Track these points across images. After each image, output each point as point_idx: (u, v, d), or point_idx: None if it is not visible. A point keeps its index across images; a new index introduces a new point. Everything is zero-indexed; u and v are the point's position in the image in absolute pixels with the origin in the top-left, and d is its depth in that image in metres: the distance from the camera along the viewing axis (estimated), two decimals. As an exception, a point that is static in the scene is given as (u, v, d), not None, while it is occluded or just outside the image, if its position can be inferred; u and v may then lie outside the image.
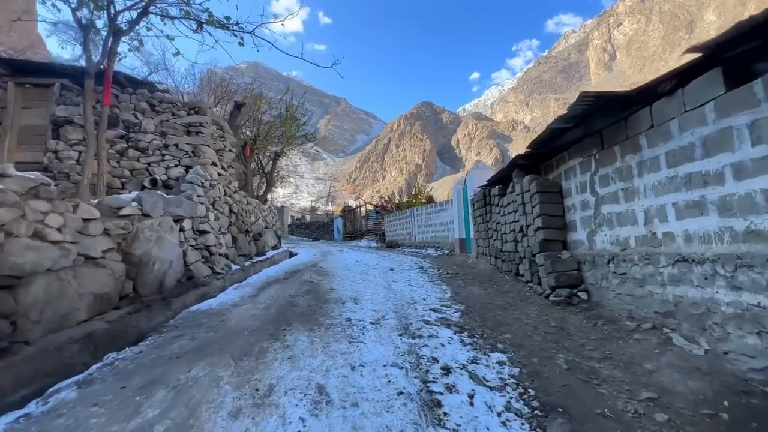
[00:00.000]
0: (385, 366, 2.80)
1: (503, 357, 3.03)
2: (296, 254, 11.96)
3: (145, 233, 4.26)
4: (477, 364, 2.89)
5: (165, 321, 4.09)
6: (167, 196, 4.90)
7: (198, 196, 5.57)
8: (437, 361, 2.91)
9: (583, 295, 4.31)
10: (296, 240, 31.43)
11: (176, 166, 6.21)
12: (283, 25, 6.18)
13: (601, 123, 3.98)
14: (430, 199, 22.45)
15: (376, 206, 24.67)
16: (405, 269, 8.11)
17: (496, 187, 6.98)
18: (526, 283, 5.45)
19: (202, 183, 5.84)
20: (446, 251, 11.96)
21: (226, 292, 5.26)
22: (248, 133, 12.52)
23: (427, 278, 6.78)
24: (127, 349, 3.15)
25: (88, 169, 4.62)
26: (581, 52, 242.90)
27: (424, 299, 4.98)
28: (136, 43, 5.37)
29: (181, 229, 5.05)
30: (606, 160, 4.04)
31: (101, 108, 4.92)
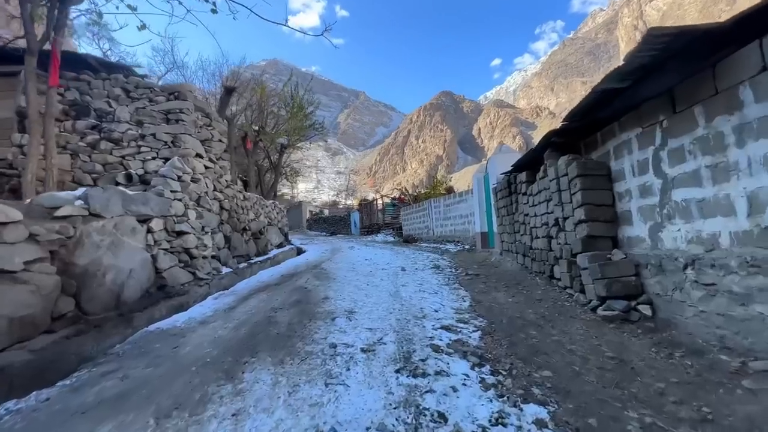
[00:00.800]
0: (368, 430, 1.91)
1: (543, 413, 2.07)
2: (304, 252, 11.25)
3: (93, 238, 3.53)
4: (504, 426, 1.96)
5: (122, 341, 3.37)
6: (129, 193, 4.16)
7: (173, 191, 4.83)
8: (445, 421, 1.99)
9: (646, 310, 3.26)
10: (314, 235, 30.99)
11: (154, 158, 5.51)
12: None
13: (671, 78, 2.89)
14: (450, 190, 21.29)
15: (393, 199, 23.73)
16: (419, 269, 7.18)
17: (523, 173, 5.90)
18: (564, 289, 4.42)
19: (180, 176, 5.10)
20: (466, 246, 10.93)
21: (203, 303, 4.51)
22: (253, 126, 11.84)
23: (442, 281, 5.84)
24: (34, 393, 2.40)
25: (31, 162, 3.96)
26: (610, 32, 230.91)
27: (436, 311, 4.05)
28: (93, 15, 4.65)
29: (150, 231, 4.31)
30: (679, 127, 2.95)
31: (48, 90, 4.24)
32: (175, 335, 3.37)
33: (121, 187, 4.20)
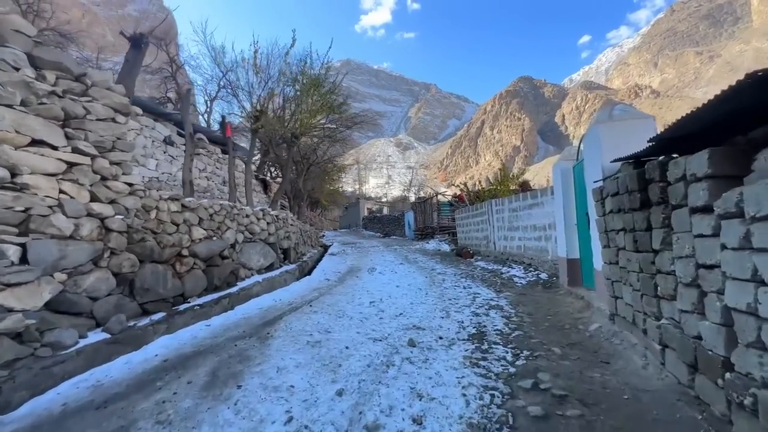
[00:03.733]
0: None
1: None
2: (310, 271, 8.52)
3: None
4: None
5: None
6: None
7: None
8: None
9: None
10: (367, 235, 28.57)
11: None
12: None
13: None
14: (524, 186, 16.97)
15: (453, 197, 19.96)
16: (441, 341, 3.79)
17: (701, 156, 2.20)
18: None
19: None
20: (542, 276, 7.10)
21: None
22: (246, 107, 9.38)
23: (477, 400, 2.47)
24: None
25: None
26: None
27: None
28: None
29: None
30: None
31: None
32: None
33: None
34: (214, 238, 5.80)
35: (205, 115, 17.62)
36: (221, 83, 10.61)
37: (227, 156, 9.43)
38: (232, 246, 6.27)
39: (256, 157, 18.97)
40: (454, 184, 19.79)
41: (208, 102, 16.62)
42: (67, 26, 16.41)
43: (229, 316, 4.95)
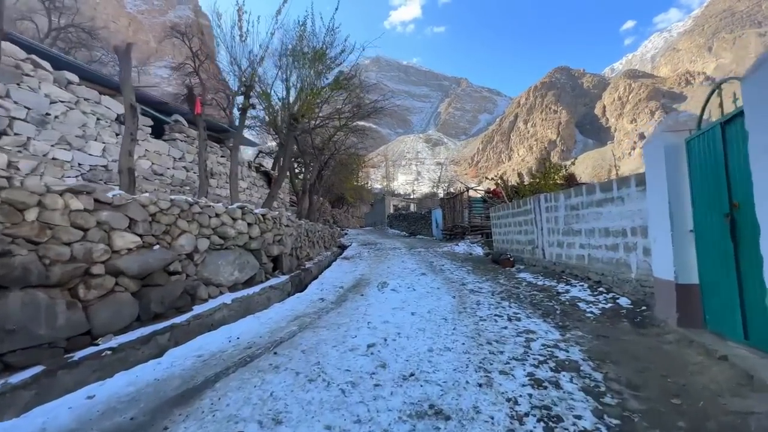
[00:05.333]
0: None
1: None
2: (311, 281, 6.85)
3: None
4: None
5: None
6: None
7: None
8: None
9: None
10: (391, 234, 26.71)
11: None
12: None
13: None
14: (570, 180, 14.55)
15: (487, 193, 17.67)
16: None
17: None
18: None
19: None
20: (621, 301, 4.97)
21: None
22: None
23: None
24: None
25: None
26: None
27: None
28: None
29: None
30: None
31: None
32: None
33: None
34: (157, 247, 4.17)
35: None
36: (197, 52, 8.84)
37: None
38: (189, 256, 4.64)
39: (258, 147, 17.59)
40: (488, 178, 17.49)
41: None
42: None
43: (157, 366, 3.29)
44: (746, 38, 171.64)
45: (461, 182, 18.73)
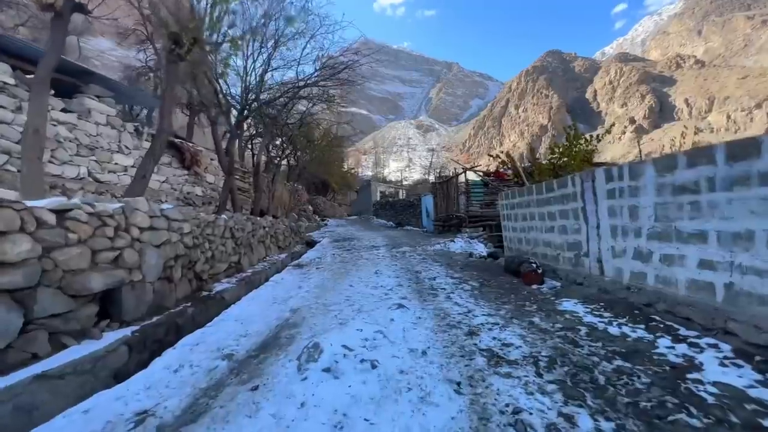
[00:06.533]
0: None
1: None
2: (173, 346, 3.48)
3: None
4: None
5: None
6: None
7: None
8: None
9: None
10: (376, 225, 23.46)
11: None
12: None
13: None
14: (587, 159, 11.37)
15: (486, 175, 14.46)
16: None
17: None
18: None
19: None
20: None
21: None
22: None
23: None
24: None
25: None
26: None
27: None
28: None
29: None
30: None
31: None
32: None
33: None
34: None
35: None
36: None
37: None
38: None
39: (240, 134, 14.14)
40: (491, 155, 14.25)
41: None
42: None
43: None
44: (735, 21, 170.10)
45: (459, 163, 15.42)
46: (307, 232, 15.96)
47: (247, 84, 11.30)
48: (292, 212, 21.83)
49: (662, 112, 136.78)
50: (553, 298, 4.89)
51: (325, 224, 25.03)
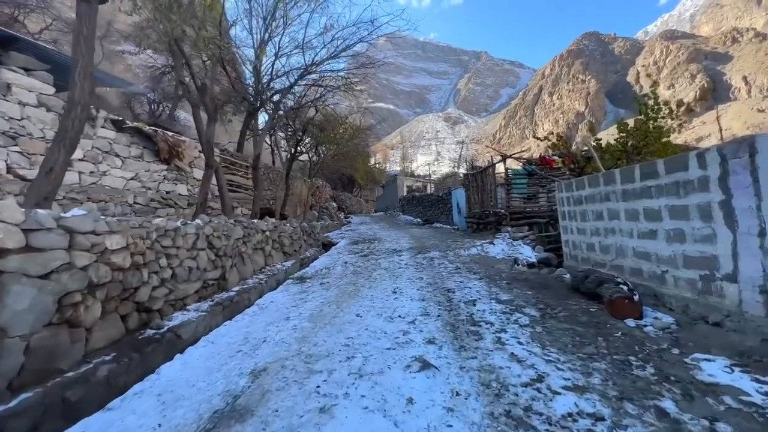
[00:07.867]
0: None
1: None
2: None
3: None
4: None
5: None
6: None
7: None
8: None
9: None
10: (401, 223, 21.70)
11: None
12: None
13: None
14: (665, 148, 9.15)
15: (530, 162, 12.26)
16: None
17: None
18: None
19: None
20: None
21: None
22: None
23: None
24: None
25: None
26: None
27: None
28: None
29: None
30: None
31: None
32: None
33: None
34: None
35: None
36: None
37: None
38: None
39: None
40: (537, 137, 12.06)
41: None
42: None
43: None
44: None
45: (496, 150, 13.29)
46: (324, 232, 14.52)
47: (258, 68, 10.05)
48: (312, 210, 20.53)
49: (716, 92, 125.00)
50: (674, 351, 3.01)
51: (348, 222, 23.61)
